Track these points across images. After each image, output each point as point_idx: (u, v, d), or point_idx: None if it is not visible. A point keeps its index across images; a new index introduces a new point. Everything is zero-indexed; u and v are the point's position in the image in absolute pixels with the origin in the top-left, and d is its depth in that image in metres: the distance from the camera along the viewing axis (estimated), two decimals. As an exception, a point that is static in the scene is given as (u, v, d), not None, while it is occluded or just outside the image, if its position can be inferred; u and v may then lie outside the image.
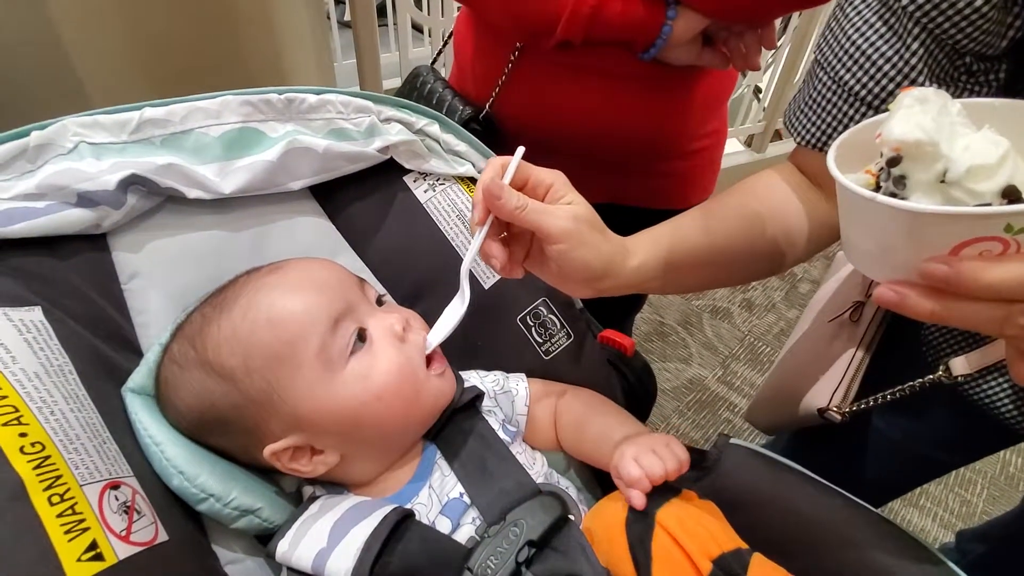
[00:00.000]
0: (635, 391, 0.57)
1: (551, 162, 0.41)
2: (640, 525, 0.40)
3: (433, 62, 0.85)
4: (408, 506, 0.42)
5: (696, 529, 0.40)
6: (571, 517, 0.43)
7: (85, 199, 0.43)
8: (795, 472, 0.47)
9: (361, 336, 0.43)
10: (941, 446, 0.64)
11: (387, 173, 0.57)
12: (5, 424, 0.30)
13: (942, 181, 0.28)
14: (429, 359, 0.46)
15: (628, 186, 0.74)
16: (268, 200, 0.53)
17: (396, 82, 1.67)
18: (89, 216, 0.43)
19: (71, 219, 0.42)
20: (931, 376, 0.52)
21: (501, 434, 0.48)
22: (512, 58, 0.65)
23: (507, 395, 0.51)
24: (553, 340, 0.56)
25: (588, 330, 0.58)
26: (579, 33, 0.56)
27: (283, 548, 0.39)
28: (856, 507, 0.44)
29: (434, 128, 0.58)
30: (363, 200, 0.58)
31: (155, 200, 0.47)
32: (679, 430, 1.39)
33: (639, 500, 0.40)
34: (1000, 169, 0.27)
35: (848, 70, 0.43)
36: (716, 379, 1.54)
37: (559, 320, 0.56)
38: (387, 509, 0.41)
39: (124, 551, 0.31)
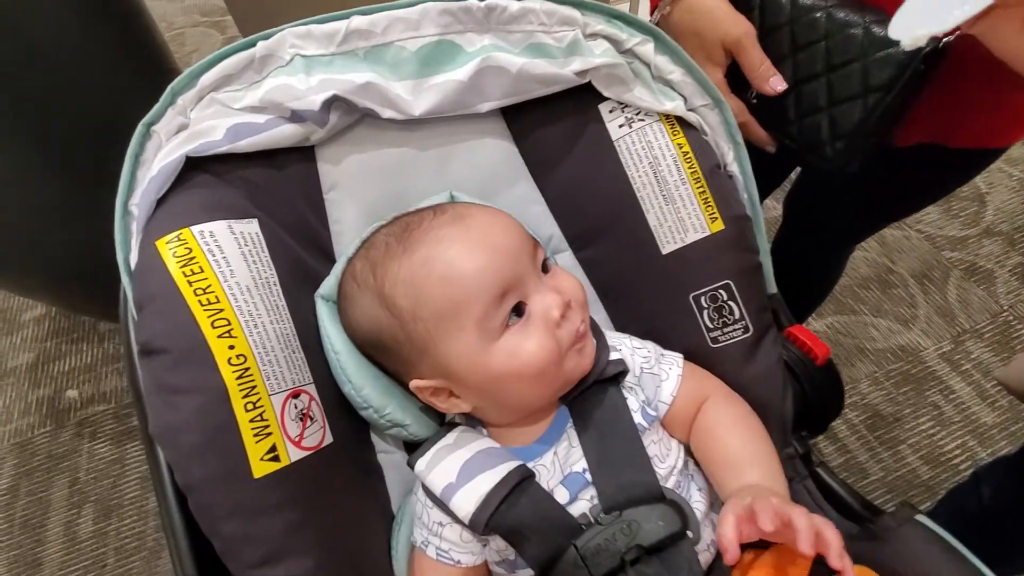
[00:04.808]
0: (810, 406, 0.49)
1: None
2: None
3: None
4: (531, 465, 0.44)
5: None
6: (689, 534, 0.41)
7: (297, 115, 0.46)
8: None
9: (519, 310, 0.43)
10: None
11: (581, 98, 0.51)
12: (220, 336, 0.37)
13: None
14: (578, 337, 0.44)
15: (959, 121, 0.57)
16: (456, 118, 0.51)
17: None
18: (300, 131, 0.46)
19: (286, 133, 0.46)
20: None
21: (639, 417, 0.46)
22: None
23: (654, 378, 0.48)
24: (726, 330, 0.49)
25: (773, 324, 0.50)
26: None
27: (420, 466, 0.45)
28: None
29: (647, 48, 0.49)
30: (552, 126, 0.53)
31: (354, 116, 0.49)
32: (865, 398, 1.21)
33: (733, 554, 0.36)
34: None
35: None
36: (938, 354, 1.27)
37: (740, 309, 0.48)
38: (512, 465, 0.43)
39: (296, 455, 0.39)
